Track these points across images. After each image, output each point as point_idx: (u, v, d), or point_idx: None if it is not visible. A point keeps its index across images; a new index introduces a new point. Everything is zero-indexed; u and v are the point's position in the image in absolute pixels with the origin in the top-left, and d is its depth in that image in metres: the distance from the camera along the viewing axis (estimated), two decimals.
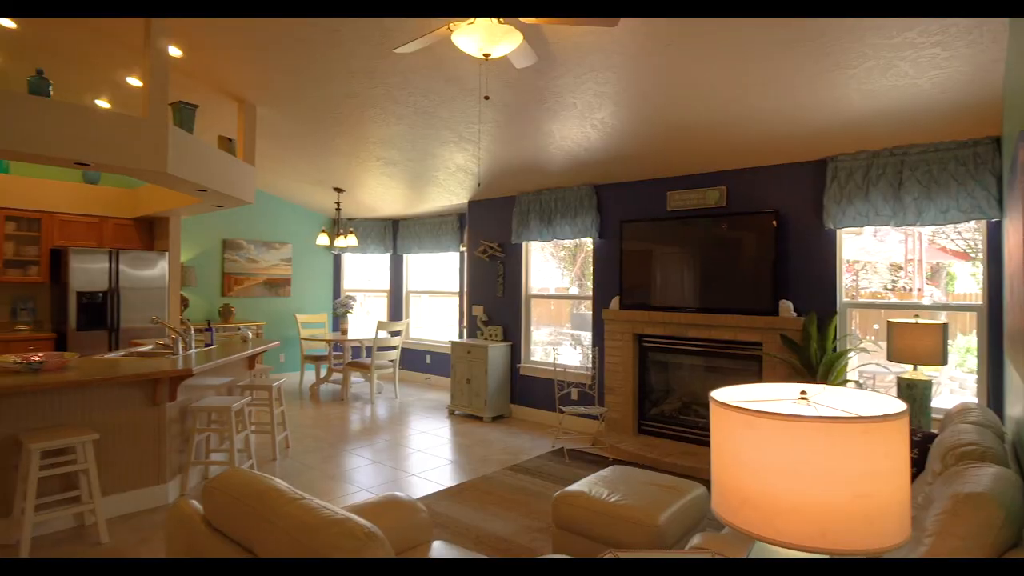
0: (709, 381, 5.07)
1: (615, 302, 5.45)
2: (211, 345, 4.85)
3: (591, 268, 5.93)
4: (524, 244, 6.51)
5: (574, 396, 5.84)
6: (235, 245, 7.98)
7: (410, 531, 2.09)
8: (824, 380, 4.09)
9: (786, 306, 4.49)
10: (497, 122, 4.71)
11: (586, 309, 6.38)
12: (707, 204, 5.01)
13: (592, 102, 4.15)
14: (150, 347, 4.81)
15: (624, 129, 4.50)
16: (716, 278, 4.85)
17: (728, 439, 1.22)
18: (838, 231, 4.45)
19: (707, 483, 4.18)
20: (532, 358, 6.48)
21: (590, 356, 5.75)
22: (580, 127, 4.58)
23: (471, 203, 7.00)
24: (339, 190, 7.36)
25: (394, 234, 8.75)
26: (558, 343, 6.52)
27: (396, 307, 8.80)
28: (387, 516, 2.04)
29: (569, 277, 6.62)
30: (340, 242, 7.50)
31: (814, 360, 4.20)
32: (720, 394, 1.34)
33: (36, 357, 3.56)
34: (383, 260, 9.06)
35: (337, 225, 7.68)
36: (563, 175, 5.68)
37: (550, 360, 6.36)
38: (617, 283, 5.60)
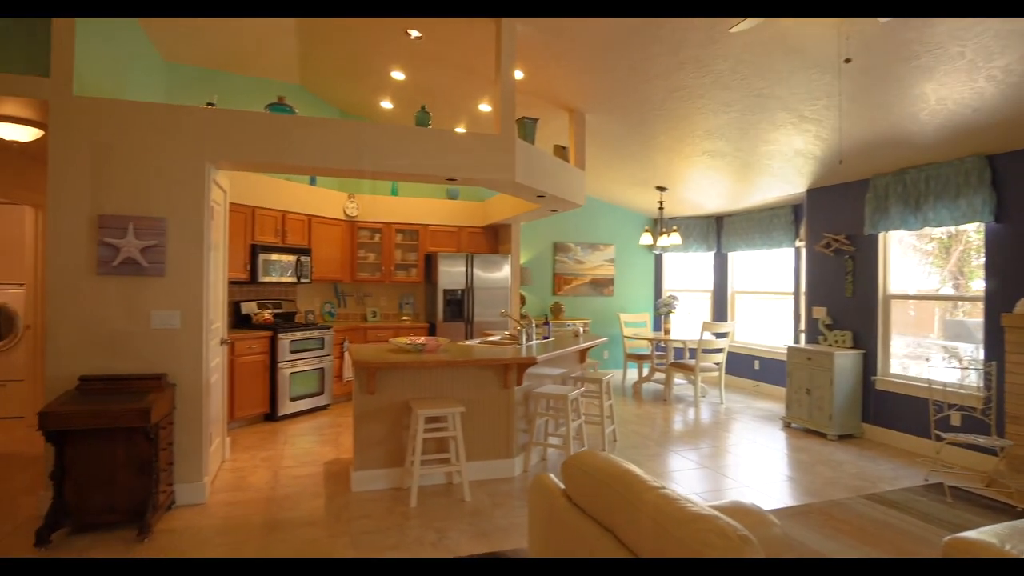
0: None
1: (1022, 305, 4.19)
2: (548, 338, 5.27)
3: (975, 263, 4.69)
4: (881, 235, 5.50)
5: (955, 421, 4.69)
6: (564, 248, 8.62)
7: (763, 545, 1.86)
8: None
9: None
10: (846, 93, 4.06)
11: (964, 315, 5.11)
12: None
13: (990, 46, 3.25)
14: (499, 337, 5.44)
15: None
16: None
17: None
18: None
19: None
20: (891, 370, 5.44)
21: (980, 373, 4.54)
22: (969, 82, 3.65)
23: (810, 191, 6.23)
24: (661, 189, 7.33)
25: (718, 231, 8.35)
26: (925, 355, 5.32)
27: (720, 308, 8.37)
28: (738, 523, 1.85)
29: (941, 275, 5.34)
30: (663, 241, 7.46)
31: None
32: None
33: (419, 340, 4.33)
34: (705, 259, 8.72)
35: (659, 224, 7.66)
36: (937, 147, 4.62)
37: (911, 373, 5.24)
38: None
